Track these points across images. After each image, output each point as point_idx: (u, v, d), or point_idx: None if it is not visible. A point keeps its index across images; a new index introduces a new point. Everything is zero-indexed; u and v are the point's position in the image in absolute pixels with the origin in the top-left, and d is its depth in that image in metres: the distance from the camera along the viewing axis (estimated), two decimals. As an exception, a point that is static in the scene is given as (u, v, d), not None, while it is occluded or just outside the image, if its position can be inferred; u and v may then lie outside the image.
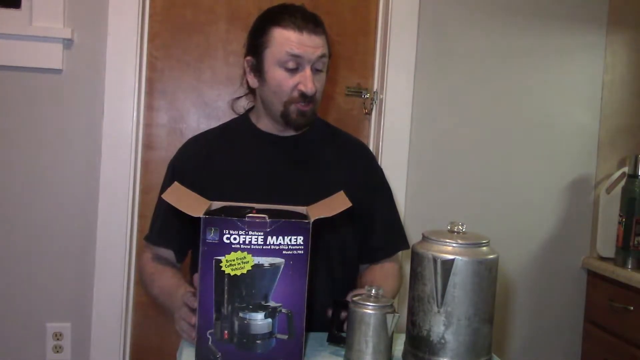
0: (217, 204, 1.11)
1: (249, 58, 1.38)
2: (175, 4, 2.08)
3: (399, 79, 2.16)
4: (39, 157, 1.96)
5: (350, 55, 2.21)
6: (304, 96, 1.32)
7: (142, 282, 1.44)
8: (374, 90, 2.22)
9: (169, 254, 1.40)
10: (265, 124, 1.42)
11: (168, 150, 2.04)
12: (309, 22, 1.31)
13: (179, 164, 1.43)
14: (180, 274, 1.36)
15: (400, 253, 1.51)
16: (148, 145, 2.09)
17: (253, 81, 1.39)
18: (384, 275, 1.40)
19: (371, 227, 1.45)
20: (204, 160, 1.40)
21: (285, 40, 1.30)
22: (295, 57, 1.30)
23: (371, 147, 2.17)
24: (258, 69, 1.36)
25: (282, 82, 1.32)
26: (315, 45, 1.31)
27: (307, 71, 1.31)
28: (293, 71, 1.31)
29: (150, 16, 2.05)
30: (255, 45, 1.36)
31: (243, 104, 1.54)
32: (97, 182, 1.98)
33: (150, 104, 2.09)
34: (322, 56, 1.32)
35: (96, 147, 1.98)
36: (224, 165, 1.39)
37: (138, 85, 2.02)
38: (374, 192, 1.46)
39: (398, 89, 2.16)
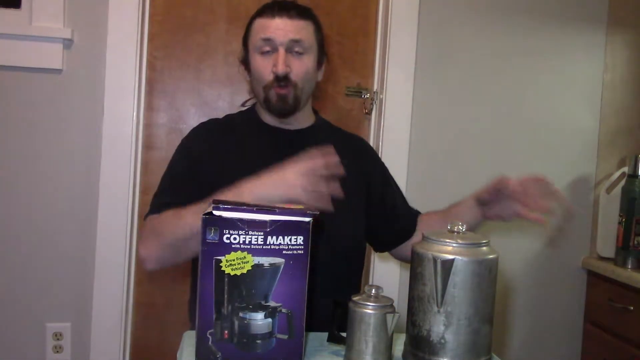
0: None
1: (242, 53, 1.44)
2: (175, 4, 2.08)
3: (399, 79, 2.16)
4: (39, 157, 1.96)
5: (350, 55, 2.21)
6: (278, 78, 1.34)
7: (152, 235, 1.29)
8: (374, 90, 2.22)
9: None
10: (266, 117, 1.45)
11: (168, 150, 2.04)
12: (288, 10, 1.35)
13: (192, 142, 1.44)
14: None
15: None
16: (148, 145, 2.08)
17: (245, 74, 1.44)
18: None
19: (394, 213, 1.50)
20: (213, 143, 1.42)
21: (260, 26, 1.36)
22: (267, 40, 1.34)
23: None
24: (246, 61, 1.42)
25: (260, 66, 1.36)
26: (289, 28, 1.34)
27: (280, 52, 1.34)
28: (268, 54, 1.35)
29: (150, 16, 2.06)
30: (244, 39, 1.43)
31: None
32: (97, 182, 1.98)
33: (150, 104, 2.09)
34: (297, 40, 1.34)
35: (96, 147, 1.98)
36: (229, 151, 1.41)
37: (138, 85, 2.02)
38: (384, 182, 1.52)
39: (398, 89, 2.16)
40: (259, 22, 1.36)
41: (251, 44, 1.38)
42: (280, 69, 1.33)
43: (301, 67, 1.36)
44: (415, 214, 1.54)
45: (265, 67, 1.35)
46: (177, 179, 1.40)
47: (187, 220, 1.20)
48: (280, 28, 1.33)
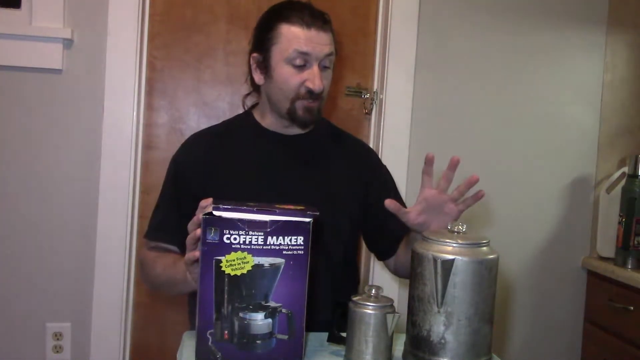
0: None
1: (255, 54, 1.37)
2: (176, 4, 2.08)
3: (399, 79, 2.16)
4: (39, 157, 1.96)
5: (350, 55, 2.20)
6: (311, 93, 1.31)
7: (143, 270, 1.41)
8: (374, 90, 2.22)
9: (172, 249, 1.38)
10: (269, 122, 1.42)
11: (168, 150, 2.04)
12: (317, 19, 1.31)
13: (181, 159, 1.42)
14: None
15: None
16: (148, 145, 2.08)
17: (259, 78, 1.38)
18: None
19: (387, 221, 1.43)
20: (206, 156, 1.39)
21: (293, 36, 1.30)
22: (303, 54, 1.30)
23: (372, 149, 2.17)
24: (264, 66, 1.35)
25: (290, 78, 1.31)
26: (323, 42, 1.31)
27: (315, 68, 1.31)
28: (301, 68, 1.31)
29: (150, 16, 2.05)
30: (262, 41, 1.35)
31: (252, 101, 1.54)
32: (97, 182, 1.98)
33: (150, 104, 2.09)
34: (330, 54, 1.33)
35: (96, 147, 1.98)
36: (226, 162, 1.39)
37: (138, 85, 2.02)
38: (382, 190, 1.46)
39: (398, 89, 2.16)
40: (292, 31, 1.30)
41: (279, 52, 1.31)
42: (318, 87, 1.31)
43: (328, 81, 1.36)
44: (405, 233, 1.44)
45: (297, 80, 1.31)
46: (166, 198, 1.43)
47: (156, 271, 1.32)
48: (317, 42, 1.30)
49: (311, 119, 1.36)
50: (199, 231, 1.01)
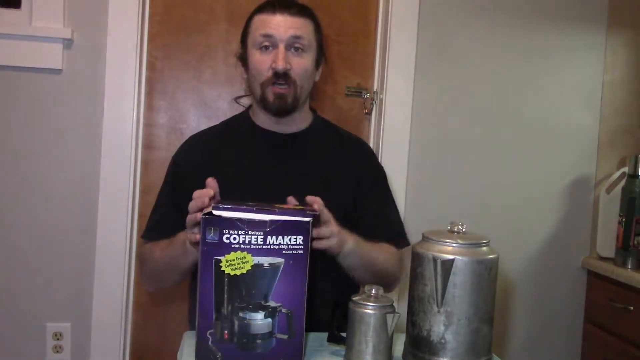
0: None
1: (239, 52, 1.42)
2: (175, 4, 2.08)
3: (399, 79, 2.16)
4: (39, 157, 1.96)
5: (350, 55, 2.21)
6: (277, 75, 1.32)
7: (142, 264, 1.41)
8: (374, 90, 2.22)
9: None
10: (261, 119, 1.42)
11: (168, 150, 2.04)
12: (289, 7, 1.34)
13: (180, 159, 1.43)
14: None
15: (404, 250, 1.50)
16: (148, 145, 2.09)
17: (242, 71, 1.42)
18: (378, 246, 1.35)
19: (359, 219, 1.41)
20: (205, 156, 1.40)
21: (260, 22, 1.34)
22: (267, 36, 1.32)
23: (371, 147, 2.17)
24: (244, 59, 1.39)
25: (258, 63, 1.34)
26: (289, 25, 1.32)
27: (280, 48, 1.32)
28: (268, 51, 1.33)
29: (150, 16, 2.06)
30: (242, 36, 1.40)
31: (246, 101, 1.54)
32: (97, 182, 1.98)
33: (150, 104, 2.09)
34: (298, 37, 1.33)
35: (96, 147, 1.98)
36: (224, 161, 1.39)
37: (138, 85, 2.02)
38: (371, 188, 1.45)
39: (398, 89, 2.16)
40: (259, 18, 1.34)
41: (250, 40, 1.36)
42: (281, 65, 1.30)
43: (301, 65, 1.34)
44: (380, 236, 1.39)
45: (264, 63, 1.32)
46: (164, 198, 1.43)
47: (155, 255, 1.32)
48: (281, 24, 1.32)
49: (283, 105, 1.34)
50: (199, 215, 1.03)
